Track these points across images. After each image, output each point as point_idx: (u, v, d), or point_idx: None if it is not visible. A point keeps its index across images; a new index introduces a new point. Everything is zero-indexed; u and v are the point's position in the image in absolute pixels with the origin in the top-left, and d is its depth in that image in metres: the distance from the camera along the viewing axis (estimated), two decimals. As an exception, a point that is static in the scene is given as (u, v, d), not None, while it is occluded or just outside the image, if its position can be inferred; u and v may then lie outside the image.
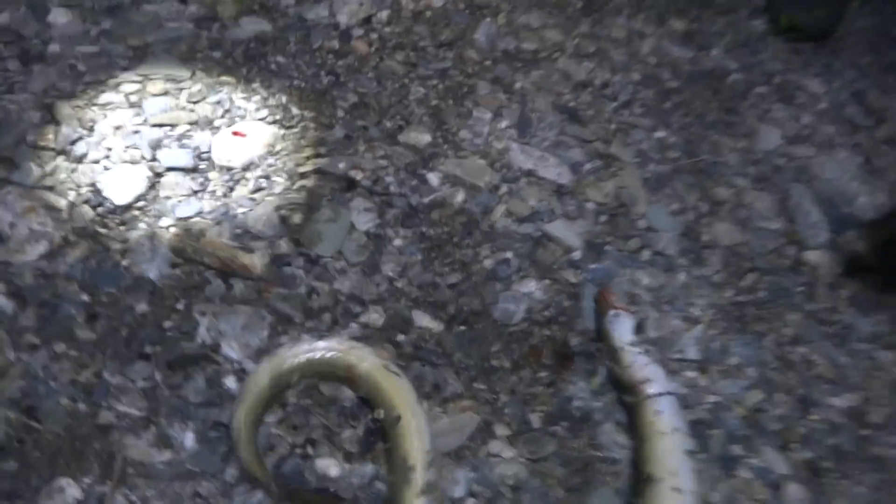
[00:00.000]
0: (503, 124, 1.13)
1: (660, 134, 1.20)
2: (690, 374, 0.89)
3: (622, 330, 0.84)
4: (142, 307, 0.85)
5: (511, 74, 1.22)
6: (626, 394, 0.81)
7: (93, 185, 0.96)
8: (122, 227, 0.92)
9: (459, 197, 1.02)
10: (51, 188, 0.95)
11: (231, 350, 0.82)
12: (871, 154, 1.23)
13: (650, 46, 1.34)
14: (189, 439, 0.75)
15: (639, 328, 0.87)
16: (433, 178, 1.04)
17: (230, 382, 0.79)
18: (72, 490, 0.70)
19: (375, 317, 0.87)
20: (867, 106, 1.30)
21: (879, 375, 0.93)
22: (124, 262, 0.89)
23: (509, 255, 0.97)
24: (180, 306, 0.85)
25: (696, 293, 0.98)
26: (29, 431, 0.74)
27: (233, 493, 0.72)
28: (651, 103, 1.24)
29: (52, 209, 0.92)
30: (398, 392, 0.75)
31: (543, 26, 1.32)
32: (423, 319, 0.88)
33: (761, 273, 1.02)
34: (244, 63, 1.16)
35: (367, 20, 1.24)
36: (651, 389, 0.78)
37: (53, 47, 1.13)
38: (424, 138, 1.09)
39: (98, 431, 0.75)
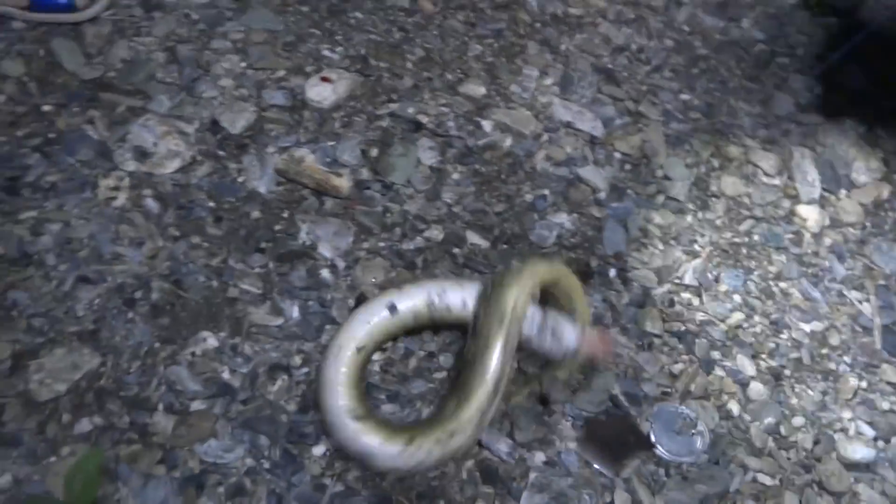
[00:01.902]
0: (548, 81, 1.33)
1: (685, 96, 1.38)
2: (685, 295, 1.10)
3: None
4: (255, 213, 1.08)
5: (558, 37, 1.41)
6: None
7: (212, 116, 1.19)
8: (236, 151, 1.16)
9: (507, 142, 1.23)
10: (179, 117, 1.18)
11: (325, 250, 1.05)
12: (873, 124, 1.39)
13: (685, 15, 1.51)
14: (295, 312, 0.99)
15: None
16: (486, 125, 1.25)
17: (325, 273, 1.03)
18: (211, 340, 0.95)
19: (436, 233, 1.10)
20: (878, 79, 1.45)
21: (844, 309, 1.13)
22: (239, 179, 1.12)
23: (546, 191, 1.18)
24: (285, 215, 1.09)
25: (699, 233, 1.18)
26: (177, 298, 0.99)
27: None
28: (680, 68, 1.41)
29: (182, 133, 1.15)
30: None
31: (590, -7, 1.49)
32: (473, 238, 1.10)
33: (757, 220, 1.22)
34: (328, 17, 1.37)
35: (435, -17, 1.43)
36: None
37: (169, -3, 1.35)
38: (480, 90, 1.30)
39: (227, 302, 0.99)
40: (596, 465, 0.91)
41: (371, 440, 0.82)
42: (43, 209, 1.05)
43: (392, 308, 0.89)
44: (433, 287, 0.91)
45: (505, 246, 1.10)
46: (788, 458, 0.97)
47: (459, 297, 0.90)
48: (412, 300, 0.90)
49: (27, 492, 0.82)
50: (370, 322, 0.89)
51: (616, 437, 0.93)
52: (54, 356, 0.92)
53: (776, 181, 1.28)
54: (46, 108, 1.16)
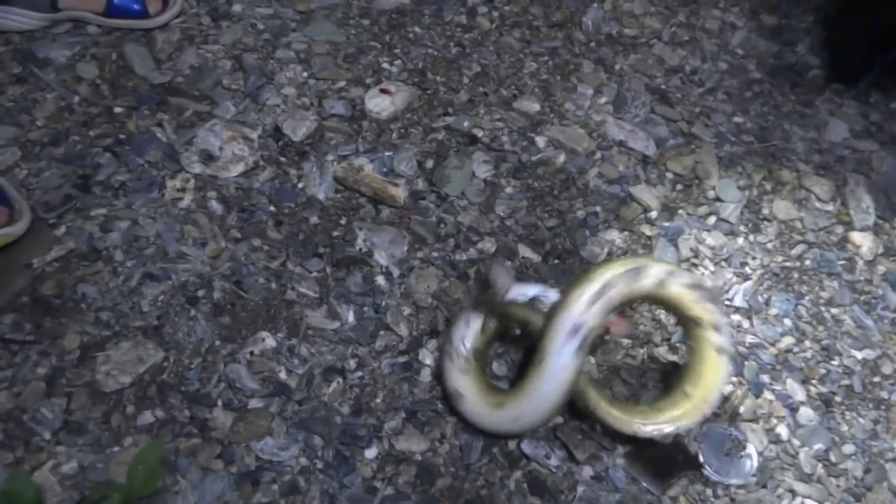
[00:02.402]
0: (602, 100, 1.34)
1: (738, 119, 1.38)
2: (735, 317, 1.10)
3: None
4: (314, 219, 1.11)
5: (612, 56, 1.42)
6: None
7: (274, 123, 1.23)
8: (297, 158, 1.19)
9: (561, 158, 1.24)
10: (244, 123, 1.22)
11: (381, 258, 1.08)
12: (930, 151, 1.37)
13: (740, 38, 1.51)
14: (350, 316, 1.01)
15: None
16: (540, 141, 1.26)
17: (380, 280, 1.06)
18: (269, 340, 0.98)
19: (489, 245, 1.12)
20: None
21: (898, 338, 1.12)
22: (300, 185, 1.15)
23: (598, 208, 1.19)
24: (343, 222, 1.11)
25: (751, 255, 1.18)
26: (237, 298, 1.02)
27: (381, 357, 0.99)
28: (734, 91, 1.41)
29: (246, 139, 1.19)
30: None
31: (644, 14, 1.51)
32: (525, 251, 1.12)
33: (809, 245, 1.21)
34: (387, 31, 1.40)
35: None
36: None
37: (236, 8, 1.39)
38: (534, 107, 1.31)
39: (285, 304, 1.02)
40: (643, 483, 0.91)
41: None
42: (112, 207, 1.09)
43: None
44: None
45: (556, 261, 1.12)
46: (838, 486, 0.96)
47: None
48: None
49: (90, 478, 0.85)
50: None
51: (664, 456, 0.93)
52: (120, 349, 0.95)
53: (829, 207, 1.27)
54: (118, 109, 1.21)
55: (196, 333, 0.98)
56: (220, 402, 0.92)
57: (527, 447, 0.92)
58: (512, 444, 0.93)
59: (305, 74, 1.30)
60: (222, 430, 0.90)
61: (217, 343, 0.97)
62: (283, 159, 1.18)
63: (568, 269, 1.11)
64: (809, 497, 0.95)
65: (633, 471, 0.92)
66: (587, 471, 0.92)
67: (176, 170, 1.14)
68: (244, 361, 0.96)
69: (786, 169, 1.31)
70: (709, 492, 0.93)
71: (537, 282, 1.08)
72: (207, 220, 1.09)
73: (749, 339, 1.08)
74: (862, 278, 1.19)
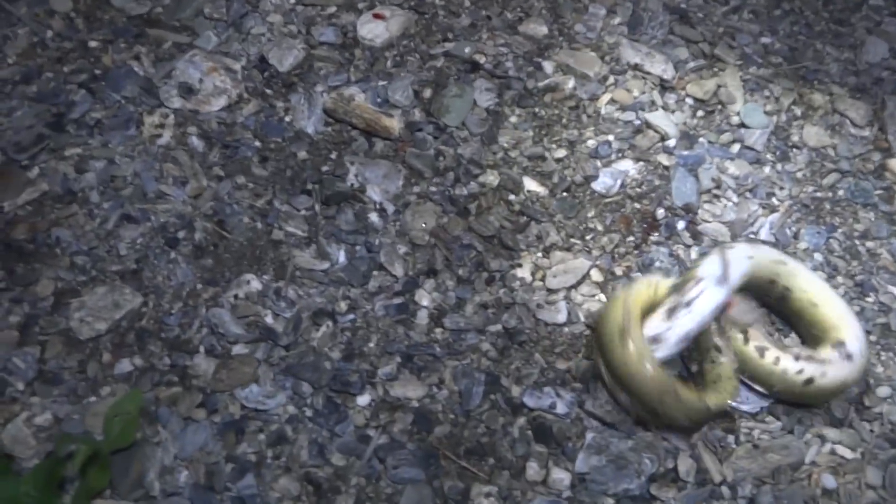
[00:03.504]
0: (616, 20, 1.23)
1: (765, 40, 1.26)
2: (762, 252, 1.01)
3: None
4: (302, 154, 1.03)
5: (627, -26, 1.30)
6: None
7: (259, 53, 1.14)
8: (284, 90, 1.10)
9: (570, 84, 1.14)
10: (227, 53, 1.13)
11: (374, 193, 1.00)
12: (979, 70, 1.25)
13: (768, -48, 1.38)
14: (341, 256, 0.94)
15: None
16: (548, 66, 1.16)
17: (373, 217, 0.98)
18: (255, 283, 0.92)
19: (491, 179, 1.03)
20: None
21: (940, 272, 1.03)
22: (287, 119, 1.07)
23: (610, 137, 1.09)
24: (333, 156, 1.03)
25: (778, 185, 1.08)
26: (220, 238, 0.95)
27: (374, 299, 0.92)
28: (761, 9, 1.29)
29: (229, 70, 1.10)
30: None
31: (663, -73, 1.38)
32: (531, 184, 1.03)
33: (843, 174, 1.11)
34: (383, -49, 1.29)
35: (497, -85, 1.34)
36: None
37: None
38: (541, 30, 1.21)
39: (272, 244, 0.95)
40: (671, 439, 0.84)
41: None
42: (87, 146, 1.02)
43: None
44: None
45: (564, 194, 1.03)
46: (871, 431, 0.89)
47: None
48: None
49: (65, 430, 0.80)
50: None
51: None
52: (96, 294, 0.89)
53: (865, 132, 1.16)
54: (93, 44, 1.13)
55: (176, 277, 0.91)
56: (202, 349, 0.86)
57: (529, 399, 0.85)
58: (516, 391, 0.86)
59: (293, 0, 1.20)
60: (205, 378, 0.84)
61: (199, 286, 0.91)
62: (268, 91, 1.10)
63: (578, 203, 1.02)
64: (840, 443, 0.87)
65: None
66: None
67: (154, 105, 1.06)
68: (228, 305, 0.89)
69: (818, 92, 1.20)
70: (730, 438, 0.86)
71: (543, 216, 1.00)
72: (188, 158, 1.02)
73: (776, 274, 0.99)
74: (900, 208, 1.09)
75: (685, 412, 0.81)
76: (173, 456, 0.80)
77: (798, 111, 1.17)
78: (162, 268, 0.92)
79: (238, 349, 0.86)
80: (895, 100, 1.20)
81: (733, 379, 0.84)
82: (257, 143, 1.04)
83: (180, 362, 0.85)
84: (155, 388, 0.84)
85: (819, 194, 1.09)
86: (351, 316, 0.90)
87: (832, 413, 0.89)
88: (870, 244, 1.05)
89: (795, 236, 1.04)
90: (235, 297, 0.90)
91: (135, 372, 0.85)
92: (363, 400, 0.84)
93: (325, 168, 1.02)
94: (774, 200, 1.07)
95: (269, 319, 0.89)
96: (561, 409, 0.85)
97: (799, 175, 1.10)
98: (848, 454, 0.87)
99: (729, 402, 0.84)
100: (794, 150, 1.13)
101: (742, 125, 1.14)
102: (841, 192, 1.09)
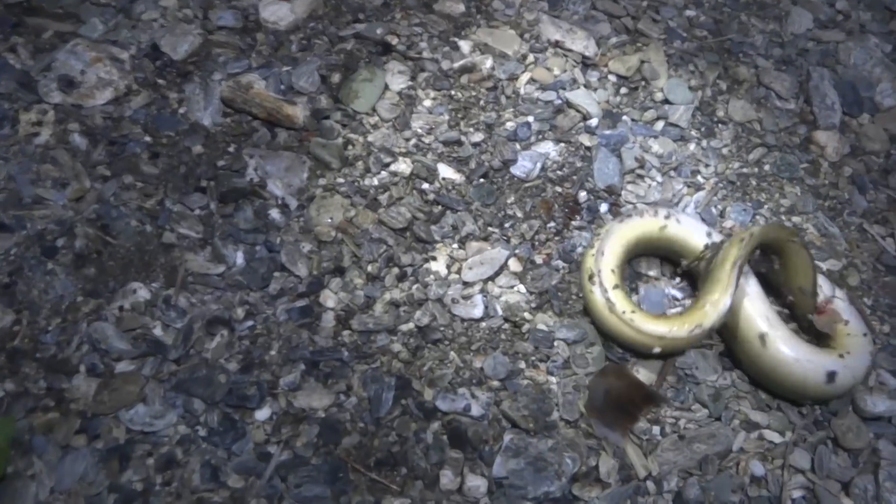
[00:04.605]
0: (534, -4, 1.17)
1: (690, 13, 1.22)
2: (687, 232, 0.97)
3: None
4: (197, 148, 0.95)
5: (546, -53, 1.24)
6: None
7: (151, 40, 1.05)
8: (178, 80, 1.02)
9: (488, 63, 1.08)
10: (114, 42, 1.04)
11: (275, 188, 0.93)
12: (901, 40, 1.23)
13: (691, -78, 1.33)
14: (239, 258, 0.87)
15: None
16: (464, 46, 1.10)
17: (274, 214, 0.91)
18: (142, 292, 0.84)
19: (404, 167, 0.97)
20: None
21: (865, 246, 1.00)
22: (181, 110, 0.99)
23: (530, 118, 1.04)
24: (231, 149, 0.96)
25: (703, 163, 1.05)
26: (104, 245, 0.87)
27: (275, 303, 0.85)
28: (684, -19, 1.25)
29: (116, 60, 1.02)
30: None
31: None
32: (446, 171, 0.97)
33: (769, 149, 1.08)
34: (288, -71, 1.21)
35: None
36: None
37: None
38: (458, 8, 1.15)
39: (162, 248, 0.87)
40: (605, 436, 0.79)
41: None
42: (-45, 148, 0.92)
43: None
44: None
45: (482, 180, 0.97)
46: (800, 413, 0.86)
47: None
48: None
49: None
50: None
51: (619, 400, 0.82)
52: (-37, 313, 0.81)
53: (791, 105, 1.14)
54: (-37, 35, 1.02)
55: (54, 290, 0.83)
56: (82, 368, 0.78)
57: (441, 403, 0.80)
58: (428, 394, 0.80)
59: (189, -18, 1.12)
60: (85, 401, 0.77)
61: (79, 299, 0.83)
62: (160, 82, 1.01)
63: (496, 189, 0.97)
64: (768, 427, 0.84)
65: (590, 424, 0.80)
66: (516, 417, 0.80)
67: (32, 101, 0.97)
68: (112, 318, 0.82)
69: (743, 65, 1.17)
70: (656, 429, 0.82)
71: (459, 205, 0.94)
72: (69, 158, 0.93)
73: (702, 255, 0.95)
74: (826, 182, 1.06)
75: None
76: (49, 490, 0.72)
77: (723, 85, 1.14)
78: (38, 280, 0.83)
79: (122, 366, 0.79)
80: (820, 71, 1.17)
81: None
82: (147, 139, 0.96)
83: (57, 385, 0.77)
84: (29, 415, 0.76)
85: (745, 170, 1.05)
86: (249, 322, 0.83)
87: (759, 397, 0.86)
88: (796, 218, 1.02)
89: (721, 214, 1.00)
90: (120, 308, 0.82)
91: (6, 398, 0.76)
92: (263, 414, 0.78)
93: (221, 163, 0.94)
94: (699, 178, 1.03)
95: (157, 331, 0.81)
96: (476, 410, 0.79)
97: (724, 151, 1.07)
98: (776, 438, 0.84)
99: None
100: (720, 125, 1.09)
101: (666, 101, 1.09)
102: (767, 167, 1.06)
